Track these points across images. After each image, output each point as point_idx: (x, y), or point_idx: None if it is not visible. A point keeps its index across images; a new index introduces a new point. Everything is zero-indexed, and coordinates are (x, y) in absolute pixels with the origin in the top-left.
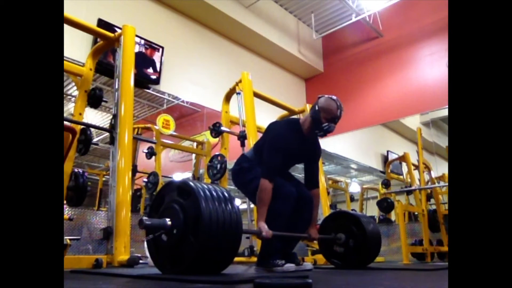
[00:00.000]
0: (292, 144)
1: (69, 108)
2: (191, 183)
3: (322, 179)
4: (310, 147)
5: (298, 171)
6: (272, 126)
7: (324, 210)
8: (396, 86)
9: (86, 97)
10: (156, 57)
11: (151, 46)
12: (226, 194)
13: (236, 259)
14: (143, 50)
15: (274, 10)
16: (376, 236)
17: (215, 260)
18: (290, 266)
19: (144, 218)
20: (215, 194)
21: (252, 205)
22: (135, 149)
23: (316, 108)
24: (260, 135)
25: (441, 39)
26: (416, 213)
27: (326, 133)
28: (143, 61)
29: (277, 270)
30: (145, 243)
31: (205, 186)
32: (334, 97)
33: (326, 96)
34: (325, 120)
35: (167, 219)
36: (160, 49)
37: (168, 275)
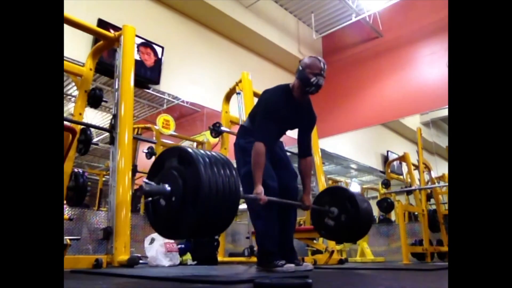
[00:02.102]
0: (284, 108)
1: (69, 108)
2: (192, 151)
3: (322, 179)
4: (304, 113)
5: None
6: (264, 93)
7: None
8: (396, 86)
9: (86, 97)
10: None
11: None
12: (225, 160)
13: (236, 259)
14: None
15: (274, 10)
16: (368, 216)
17: (212, 226)
18: (290, 266)
19: (144, 183)
20: (214, 160)
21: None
22: (135, 149)
23: (300, 68)
24: None
25: (441, 39)
26: (416, 213)
27: (317, 87)
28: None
29: (277, 270)
30: (145, 243)
31: (205, 153)
32: (312, 55)
33: (306, 56)
34: (312, 75)
35: (167, 185)
36: (161, 49)
37: (167, 276)
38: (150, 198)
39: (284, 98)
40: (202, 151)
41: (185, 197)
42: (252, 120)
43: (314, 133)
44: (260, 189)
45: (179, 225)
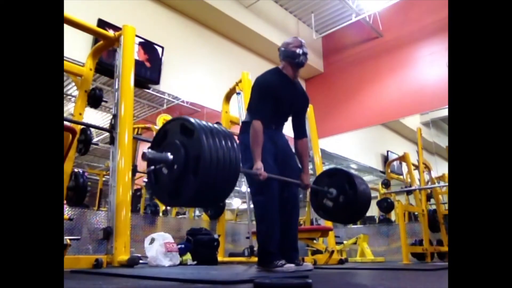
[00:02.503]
0: (278, 86)
1: (69, 108)
2: (194, 122)
3: None
4: (298, 93)
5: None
6: (256, 79)
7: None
8: (396, 86)
9: (86, 97)
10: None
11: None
12: (226, 132)
13: (236, 259)
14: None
15: (274, 10)
16: (366, 197)
17: (212, 195)
18: (290, 266)
19: (147, 151)
20: (216, 131)
21: (252, 205)
22: (135, 149)
23: (282, 48)
24: None
25: (441, 39)
26: (416, 213)
27: (305, 56)
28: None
29: (277, 270)
30: (145, 243)
31: (207, 124)
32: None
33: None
34: (296, 47)
35: (169, 154)
36: (161, 49)
37: (167, 276)
38: (152, 167)
39: (277, 77)
40: (204, 122)
41: (186, 165)
42: (250, 111)
43: (314, 133)
44: (260, 164)
45: (180, 192)
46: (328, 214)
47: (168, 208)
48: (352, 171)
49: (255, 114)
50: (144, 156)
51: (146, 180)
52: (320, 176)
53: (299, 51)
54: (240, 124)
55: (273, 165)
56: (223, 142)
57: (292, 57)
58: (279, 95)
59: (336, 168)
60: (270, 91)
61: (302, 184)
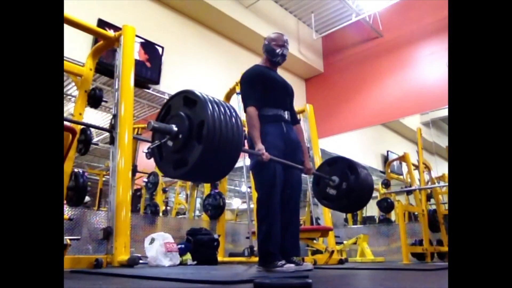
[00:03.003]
0: (266, 73)
1: (69, 108)
2: (197, 92)
3: None
4: (285, 81)
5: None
6: (241, 77)
7: (324, 210)
8: (396, 86)
9: (86, 97)
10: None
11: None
12: (230, 107)
13: (236, 259)
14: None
15: (274, 10)
16: (369, 183)
17: (216, 166)
18: (290, 266)
19: (152, 121)
20: (218, 102)
21: (252, 205)
22: (135, 149)
23: (266, 42)
24: None
25: (441, 39)
26: (416, 213)
27: (283, 57)
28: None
29: (277, 270)
30: (145, 243)
31: (210, 96)
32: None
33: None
34: (277, 47)
35: (173, 125)
36: (161, 49)
37: (167, 276)
38: (156, 142)
39: (262, 68)
40: (206, 94)
41: (191, 132)
42: (243, 102)
43: (314, 133)
44: (261, 145)
45: (185, 160)
46: (331, 202)
47: (168, 208)
48: None
49: (247, 101)
50: (149, 125)
51: (146, 180)
52: (321, 165)
53: (279, 51)
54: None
55: (278, 155)
56: (227, 110)
57: (271, 54)
58: (269, 78)
59: (337, 156)
60: (258, 78)
61: (304, 169)
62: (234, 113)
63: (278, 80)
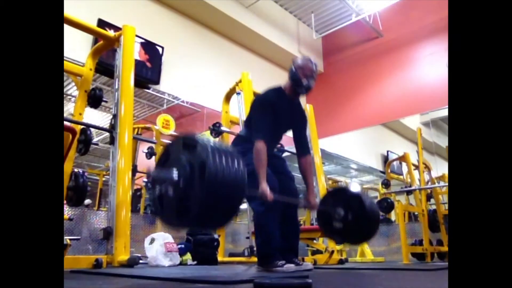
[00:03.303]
0: (278, 104)
1: (69, 108)
2: (196, 136)
3: (322, 179)
4: (296, 111)
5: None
6: (255, 98)
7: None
8: (396, 86)
9: (86, 97)
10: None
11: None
12: (228, 148)
13: (236, 259)
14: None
15: (274, 10)
16: (375, 212)
17: (218, 214)
18: (290, 266)
19: (151, 170)
20: (219, 144)
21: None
22: (135, 149)
23: (293, 69)
24: None
25: (441, 39)
26: (416, 213)
27: (307, 89)
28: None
29: (277, 270)
30: (145, 243)
31: (209, 140)
32: (306, 56)
33: (299, 57)
34: (304, 76)
35: (174, 170)
36: (161, 49)
37: (168, 276)
38: (157, 192)
39: (277, 95)
40: (206, 138)
41: (192, 175)
42: (248, 125)
43: (314, 133)
44: (265, 186)
45: (188, 207)
46: (341, 236)
47: None
48: (352, 171)
49: (258, 132)
50: (148, 175)
51: (146, 180)
52: (323, 199)
53: (305, 83)
54: (236, 137)
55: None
56: (227, 151)
57: (296, 84)
58: (278, 112)
59: (338, 188)
60: (270, 107)
61: (309, 206)
62: (235, 155)
63: (283, 114)
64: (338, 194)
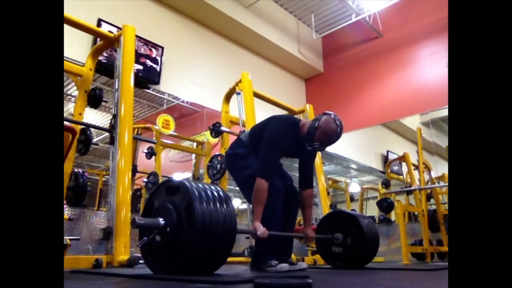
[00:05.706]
0: (290, 142)
1: (69, 108)
2: (176, 180)
3: (322, 179)
4: (307, 149)
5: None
6: (273, 121)
7: (324, 210)
8: (396, 86)
9: (86, 97)
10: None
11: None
12: (219, 191)
13: (236, 259)
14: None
15: (274, 10)
16: (374, 233)
17: (210, 257)
18: (283, 266)
19: (137, 217)
20: (204, 188)
21: (252, 206)
22: (135, 149)
23: (316, 124)
24: None
25: (441, 39)
26: (416, 213)
27: (314, 151)
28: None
29: (271, 270)
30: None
31: (193, 183)
32: (338, 121)
33: (332, 116)
34: (318, 139)
35: (160, 218)
36: (161, 49)
37: (168, 276)
38: (145, 238)
39: (292, 133)
40: (187, 179)
41: (180, 219)
42: (253, 141)
43: None
44: (258, 224)
45: (179, 251)
46: (340, 260)
47: None
48: (352, 171)
49: (263, 167)
50: (133, 223)
51: (146, 180)
52: (320, 224)
53: (316, 145)
54: (236, 139)
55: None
56: (213, 189)
57: (308, 139)
58: (289, 149)
59: (335, 211)
60: (282, 146)
61: (307, 238)
62: (221, 192)
63: (297, 150)
64: (335, 218)
